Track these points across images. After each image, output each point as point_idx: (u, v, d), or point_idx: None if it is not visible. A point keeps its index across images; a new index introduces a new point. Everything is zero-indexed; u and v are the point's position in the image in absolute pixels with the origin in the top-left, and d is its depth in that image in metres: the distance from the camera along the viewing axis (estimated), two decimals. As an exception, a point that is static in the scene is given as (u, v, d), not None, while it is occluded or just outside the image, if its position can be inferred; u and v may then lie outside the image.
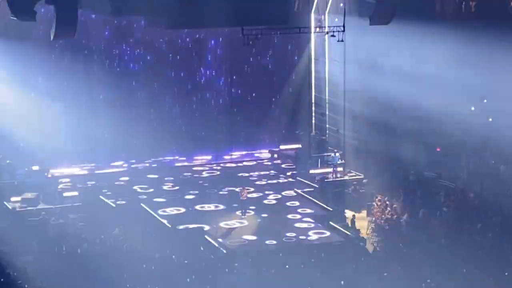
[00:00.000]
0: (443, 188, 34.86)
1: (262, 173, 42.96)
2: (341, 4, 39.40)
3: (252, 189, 39.10)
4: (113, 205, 36.23)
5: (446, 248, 29.88)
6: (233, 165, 44.16)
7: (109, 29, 42.53)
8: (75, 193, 37.46)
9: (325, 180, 39.07)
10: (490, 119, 37.10)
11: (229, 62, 42.97)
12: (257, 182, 41.13)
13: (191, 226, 34.67)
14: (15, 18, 28.01)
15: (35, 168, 38.78)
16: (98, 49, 42.82)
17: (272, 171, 43.45)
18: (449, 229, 31.60)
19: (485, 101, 37.84)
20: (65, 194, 37.10)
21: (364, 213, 36.15)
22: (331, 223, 34.90)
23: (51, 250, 29.84)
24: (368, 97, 39.00)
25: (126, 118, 42.59)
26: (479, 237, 30.37)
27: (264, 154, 46.10)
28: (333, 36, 36.31)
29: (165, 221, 34.72)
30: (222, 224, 34.93)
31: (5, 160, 38.22)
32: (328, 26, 38.05)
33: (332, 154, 40.19)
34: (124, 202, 37.14)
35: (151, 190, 39.51)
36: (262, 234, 33.96)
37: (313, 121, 43.37)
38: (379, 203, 35.27)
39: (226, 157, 45.00)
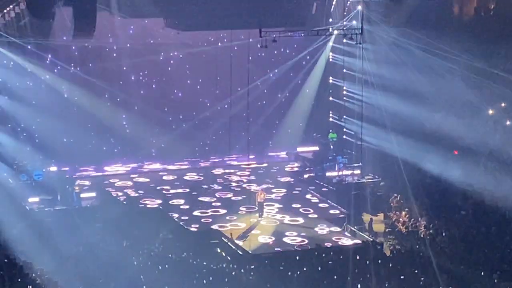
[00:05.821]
0: (460, 191, 34.66)
1: (279, 175, 42.89)
2: (359, 7, 39.35)
3: (269, 191, 39.14)
4: (129, 206, 36.33)
5: (463, 251, 29.77)
6: (251, 167, 44.00)
7: (128, 30, 42.49)
8: (93, 194, 37.62)
9: (343, 183, 39.00)
10: (508, 122, 36.94)
11: (247, 63, 42.84)
12: (274, 184, 41.10)
13: (207, 227, 34.73)
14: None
15: (53, 169, 38.93)
16: (118, 51, 42.88)
17: (289, 173, 43.37)
18: (466, 232, 31.47)
19: (503, 104, 37.71)
20: (83, 195, 37.24)
21: (381, 216, 36.03)
22: (348, 225, 34.87)
23: (68, 250, 29.91)
24: (385, 100, 38.96)
25: (143, 120, 42.78)
26: (497, 240, 30.21)
27: (282, 156, 46.02)
28: (350, 38, 36.25)
29: (182, 223, 34.79)
30: (238, 226, 34.95)
31: (23, 161, 38.34)
32: (346, 29, 37.97)
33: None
34: (140, 203, 37.31)
35: (170, 192, 39.56)
36: (279, 236, 33.97)
37: (330, 124, 43.45)
38: (396, 206, 35.17)
39: (243, 159, 44.91)
